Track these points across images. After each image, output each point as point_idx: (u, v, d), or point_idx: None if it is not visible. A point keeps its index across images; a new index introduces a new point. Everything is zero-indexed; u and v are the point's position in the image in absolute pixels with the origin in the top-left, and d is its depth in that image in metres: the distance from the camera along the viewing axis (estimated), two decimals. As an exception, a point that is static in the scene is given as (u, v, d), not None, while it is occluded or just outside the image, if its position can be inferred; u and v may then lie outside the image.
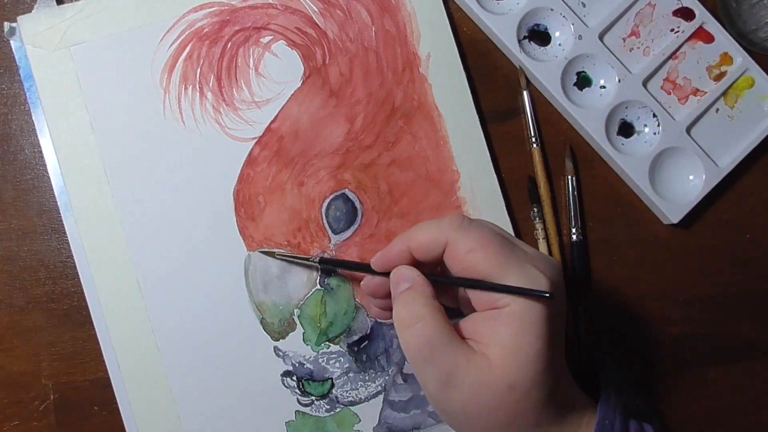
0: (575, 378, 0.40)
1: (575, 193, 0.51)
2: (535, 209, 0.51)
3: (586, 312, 0.51)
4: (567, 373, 0.39)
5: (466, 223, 0.38)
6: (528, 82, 0.51)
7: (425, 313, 0.38)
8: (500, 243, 0.38)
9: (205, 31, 0.50)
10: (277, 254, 0.48)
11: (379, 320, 0.49)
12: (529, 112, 0.51)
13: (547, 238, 0.51)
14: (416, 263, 0.40)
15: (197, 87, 0.49)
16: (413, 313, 0.38)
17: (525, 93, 0.51)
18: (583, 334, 0.50)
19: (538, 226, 0.51)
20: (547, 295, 0.36)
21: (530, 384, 0.36)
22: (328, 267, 0.48)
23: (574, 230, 0.51)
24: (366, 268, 0.42)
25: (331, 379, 0.49)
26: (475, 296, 0.38)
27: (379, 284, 0.42)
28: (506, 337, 0.36)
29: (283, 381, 0.49)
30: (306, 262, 0.48)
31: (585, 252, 0.51)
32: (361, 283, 0.44)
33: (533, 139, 0.51)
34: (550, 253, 0.51)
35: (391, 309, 0.40)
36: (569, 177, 0.51)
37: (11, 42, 0.49)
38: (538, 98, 0.52)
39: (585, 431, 0.38)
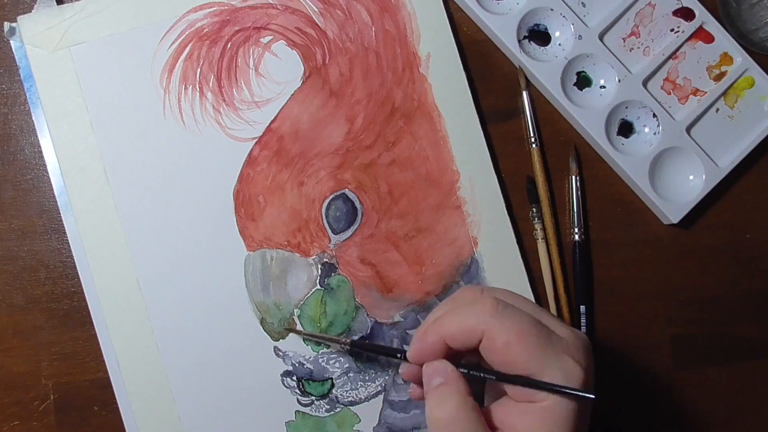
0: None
1: (579, 193, 0.51)
2: (534, 209, 0.51)
3: (588, 311, 0.51)
4: None
5: (501, 310, 0.37)
6: (528, 82, 0.51)
7: (460, 416, 0.37)
8: (537, 334, 0.37)
9: (205, 31, 0.50)
10: (304, 335, 0.49)
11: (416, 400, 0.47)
12: (529, 113, 0.51)
13: (546, 238, 0.51)
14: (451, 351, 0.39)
15: (197, 87, 0.49)
16: (447, 414, 0.37)
17: (525, 93, 0.51)
18: (585, 329, 0.50)
19: (537, 226, 0.51)
20: (592, 396, 0.36)
21: None
22: (358, 351, 0.48)
23: (576, 230, 0.51)
24: (400, 353, 0.42)
25: (331, 379, 0.49)
26: (511, 389, 0.37)
27: (417, 373, 0.41)
28: (538, 431, 0.36)
29: (283, 381, 0.49)
30: (337, 343, 0.48)
31: (587, 252, 0.51)
32: (399, 370, 0.43)
33: (532, 139, 0.51)
34: (549, 253, 0.51)
35: None
36: (573, 177, 0.51)
37: (11, 42, 0.49)
38: (538, 98, 0.52)
39: None
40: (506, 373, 0.37)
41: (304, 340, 0.49)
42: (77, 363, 0.49)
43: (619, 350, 0.52)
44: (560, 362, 0.36)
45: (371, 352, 0.49)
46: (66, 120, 0.49)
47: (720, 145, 0.52)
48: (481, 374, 0.38)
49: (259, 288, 0.49)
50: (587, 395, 0.36)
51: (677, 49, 0.52)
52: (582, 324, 0.50)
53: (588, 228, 0.52)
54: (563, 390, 0.36)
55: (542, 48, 0.52)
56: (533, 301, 0.41)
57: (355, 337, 0.49)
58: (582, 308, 0.51)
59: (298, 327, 0.49)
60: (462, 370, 0.39)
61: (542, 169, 0.51)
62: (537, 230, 0.51)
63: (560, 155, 0.52)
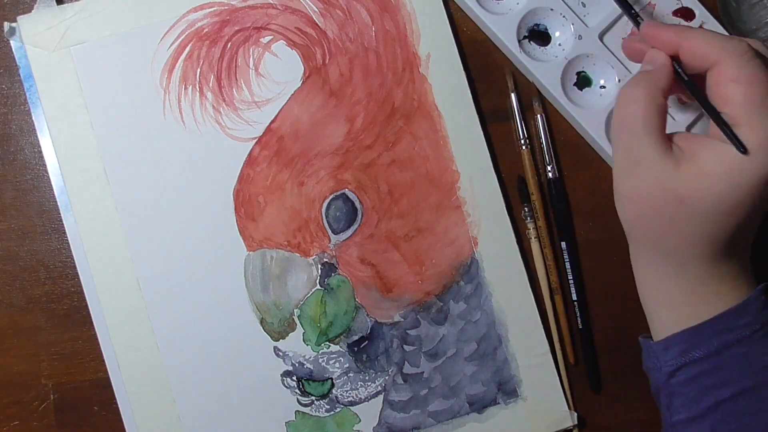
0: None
1: (546, 131, 0.51)
2: (526, 209, 0.51)
3: (569, 247, 0.51)
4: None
5: (747, 55, 0.38)
6: (516, 84, 0.51)
7: (648, 99, 0.39)
8: (766, 90, 0.37)
9: (205, 31, 0.50)
10: None
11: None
12: (518, 115, 0.51)
13: (539, 237, 0.51)
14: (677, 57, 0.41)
15: (197, 87, 0.49)
16: (637, 93, 0.39)
17: (513, 95, 0.51)
18: (570, 271, 0.51)
19: (530, 225, 0.51)
20: (742, 150, 0.36)
21: (724, 206, 0.38)
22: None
23: (549, 168, 0.51)
24: (636, 21, 0.43)
25: (331, 379, 0.49)
26: (715, 129, 0.38)
27: (638, 50, 0.43)
28: (711, 165, 0.37)
29: (283, 381, 0.49)
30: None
31: (562, 188, 0.51)
32: (622, 43, 0.45)
33: (522, 141, 0.51)
34: (543, 253, 0.51)
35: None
36: (539, 116, 0.51)
37: (11, 42, 0.49)
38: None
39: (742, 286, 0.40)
40: (713, 106, 0.38)
41: (303, 339, 0.49)
42: (77, 363, 0.49)
43: (619, 350, 0.52)
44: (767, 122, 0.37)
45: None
46: (66, 120, 0.49)
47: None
48: (691, 86, 0.40)
49: (259, 288, 0.49)
50: (740, 146, 0.36)
51: (677, 49, 0.52)
52: (565, 260, 0.51)
53: (561, 167, 0.52)
54: (736, 142, 0.36)
55: (542, 48, 0.52)
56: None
57: (355, 337, 0.49)
58: (563, 244, 0.51)
59: (298, 327, 0.49)
60: (680, 71, 0.40)
61: (533, 170, 0.51)
62: (530, 229, 0.51)
63: (560, 155, 0.52)
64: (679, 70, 0.40)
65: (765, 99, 0.37)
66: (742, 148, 0.36)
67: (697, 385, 0.40)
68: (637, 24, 0.44)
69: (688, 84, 0.40)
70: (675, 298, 0.42)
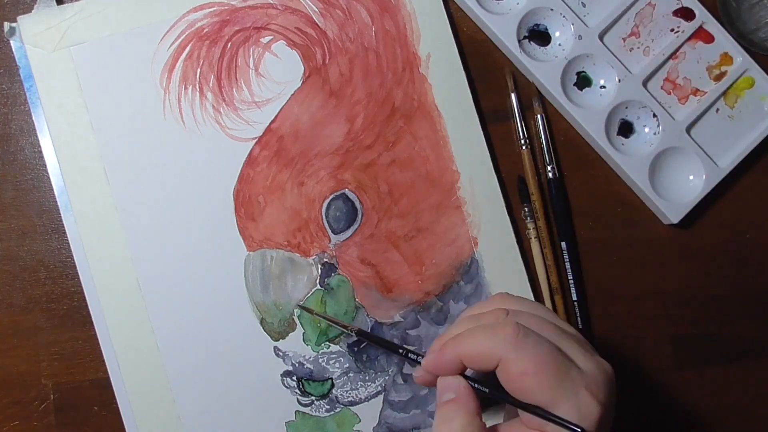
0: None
1: (546, 131, 0.51)
2: (526, 209, 0.51)
3: (569, 247, 0.51)
4: None
5: (521, 339, 0.37)
6: (516, 84, 0.51)
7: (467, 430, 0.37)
8: (556, 366, 0.36)
9: (205, 31, 0.50)
10: (315, 313, 0.49)
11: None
12: (518, 115, 0.51)
13: (539, 237, 0.51)
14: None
15: (197, 87, 0.49)
16: (456, 428, 0.37)
17: (513, 95, 0.51)
18: (570, 270, 0.51)
19: (530, 225, 0.51)
20: None
21: None
22: (361, 342, 0.48)
23: (549, 168, 0.51)
24: (413, 354, 0.42)
25: (331, 379, 0.49)
26: (524, 415, 0.37)
27: (431, 379, 0.41)
28: None
29: (283, 381, 0.49)
30: (345, 329, 0.48)
31: (562, 188, 0.52)
32: (414, 373, 0.42)
33: (522, 142, 0.51)
34: (543, 252, 0.51)
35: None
36: (539, 116, 0.51)
37: (11, 42, 0.49)
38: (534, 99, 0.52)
39: None
40: (519, 400, 0.37)
41: (303, 339, 0.49)
42: (77, 363, 0.49)
43: (619, 350, 0.52)
44: (577, 397, 0.36)
45: (376, 343, 0.48)
46: (66, 120, 0.49)
47: (720, 145, 0.52)
48: (493, 396, 0.38)
49: (259, 288, 0.49)
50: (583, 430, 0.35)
51: (677, 49, 0.52)
52: (565, 260, 0.51)
53: (561, 167, 0.52)
54: (570, 425, 0.35)
55: (542, 48, 0.52)
56: (562, 321, 0.40)
57: (355, 338, 0.49)
58: (563, 244, 0.51)
59: (298, 327, 0.49)
60: (476, 386, 0.38)
61: (533, 170, 0.51)
62: (530, 229, 0.51)
63: (560, 155, 0.52)
64: (476, 386, 0.39)
65: (558, 374, 0.36)
66: (580, 428, 0.35)
67: None
68: (415, 363, 0.42)
69: (492, 395, 0.38)
70: None
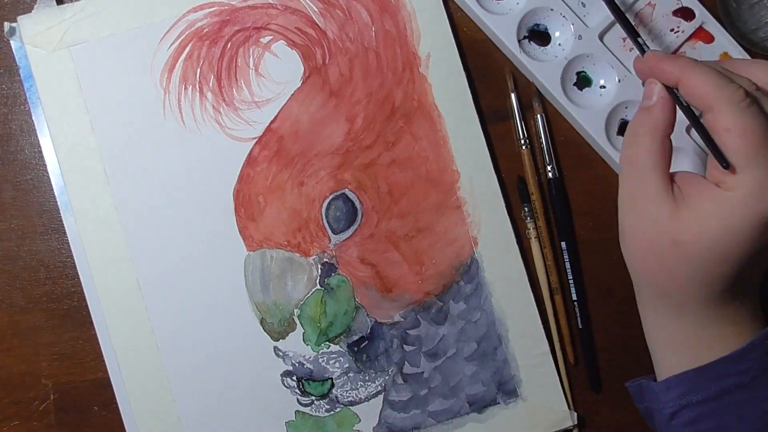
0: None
1: (546, 131, 0.51)
2: (526, 209, 0.51)
3: (569, 247, 0.51)
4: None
5: (742, 104, 0.37)
6: (516, 84, 0.51)
7: (648, 138, 0.40)
8: (763, 139, 0.37)
9: (205, 31, 0.50)
10: None
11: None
12: (518, 115, 0.51)
13: (539, 237, 0.51)
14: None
15: (197, 87, 0.49)
16: (637, 132, 0.40)
17: (513, 95, 0.51)
18: (570, 270, 0.51)
19: (530, 225, 0.51)
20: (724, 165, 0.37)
21: (715, 257, 0.38)
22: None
23: (549, 168, 0.51)
24: (643, 44, 0.44)
25: (331, 379, 0.49)
26: (709, 164, 0.39)
27: (644, 72, 0.43)
28: (709, 217, 0.38)
29: (283, 381, 0.49)
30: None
31: (562, 188, 0.52)
32: (634, 63, 0.45)
33: (522, 142, 0.51)
34: (543, 253, 0.51)
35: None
36: (539, 116, 0.51)
37: (11, 42, 0.49)
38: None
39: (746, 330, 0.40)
40: (708, 136, 0.38)
41: (303, 339, 0.49)
42: (77, 363, 0.49)
43: (618, 350, 0.52)
44: (764, 172, 0.37)
45: (621, 23, 0.47)
46: (66, 120, 0.49)
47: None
48: (693, 119, 0.40)
49: (259, 288, 0.49)
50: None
51: (677, 49, 0.52)
52: (565, 260, 0.51)
53: (561, 167, 0.52)
54: (720, 157, 0.37)
55: (542, 48, 0.52)
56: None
57: (355, 337, 0.49)
58: (563, 244, 0.51)
59: (298, 327, 0.49)
60: (683, 102, 0.40)
61: (533, 171, 0.51)
62: (530, 229, 0.51)
63: (560, 155, 0.52)
64: (679, 97, 0.40)
65: (759, 148, 0.37)
66: (725, 163, 0.37)
67: (696, 429, 0.40)
68: (642, 52, 0.44)
69: (685, 111, 0.40)
70: (676, 339, 0.42)
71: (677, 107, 0.41)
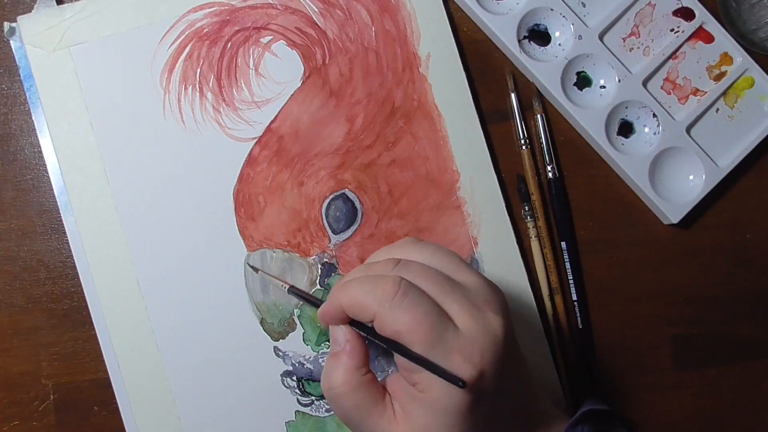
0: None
1: (546, 131, 0.51)
2: (526, 207, 0.51)
3: (569, 247, 0.51)
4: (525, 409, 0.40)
5: (398, 296, 0.36)
6: (516, 83, 0.51)
7: (345, 387, 0.38)
8: (429, 327, 0.35)
9: (205, 31, 0.50)
10: (260, 272, 0.48)
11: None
12: (518, 115, 0.51)
13: (539, 237, 0.51)
14: None
15: (197, 87, 0.49)
16: (335, 383, 0.38)
17: (513, 95, 0.51)
18: (570, 270, 0.51)
19: (530, 224, 0.51)
20: (460, 384, 0.35)
21: None
22: (296, 296, 0.47)
23: (549, 168, 0.51)
24: (317, 302, 0.42)
25: (331, 379, 0.49)
26: (401, 362, 0.37)
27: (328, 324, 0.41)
28: (419, 418, 0.36)
29: (283, 381, 0.49)
30: (281, 282, 0.48)
31: (562, 188, 0.52)
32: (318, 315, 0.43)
33: (522, 142, 0.51)
34: (543, 253, 0.51)
35: None
36: (539, 116, 0.51)
37: (11, 42, 0.49)
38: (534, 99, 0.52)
39: None
40: (393, 342, 0.37)
41: (303, 339, 0.49)
42: (77, 363, 0.49)
43: (619, 350, 0.52)
44: (448, 362, 0.35)
45: (303, 299, 0.47)
46: (66, 120, 0.49)
47: (720, 145, 0.52)
48: (375, 341, 0.38)
49: (259, 288, 0.49)
50: (456, 380, 0.35)
51: (677, 49, 0.52)
52: (565, 260, 0.51)
53: (561, 167, 0.52)
54: (435, 372, 0.35)
55: (542, 48, 0.52)
56: (464, 268, 0.39)
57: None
58: (563, 244, 0.51)
59: (298, 327, 0.49)
60: (363, 334, 0.39)
61: (533, 171, 0.51)
62: (530, 228, 0.51)
63: (560, 155, 0.52)
64: (363, 334, 0.39)
65: (430, 338, 0.35)
66: (461, 382, 0.35)
67: None
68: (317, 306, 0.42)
69: (377, 343, 0.38)
70: None
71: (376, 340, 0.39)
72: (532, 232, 0.51)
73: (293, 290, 0.47)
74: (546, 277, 0.51)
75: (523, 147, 0.51)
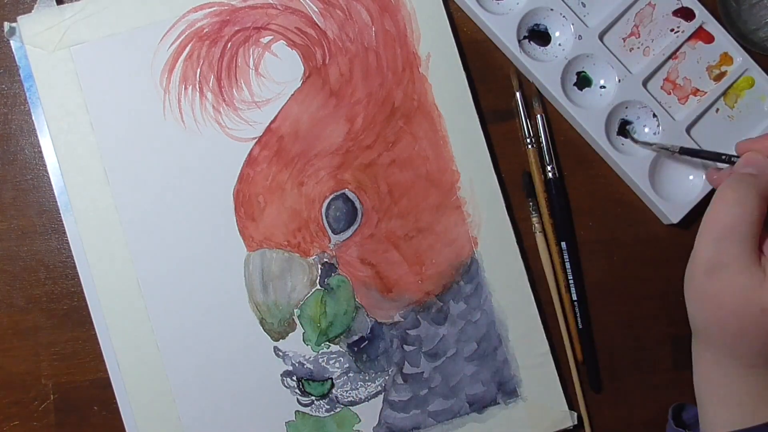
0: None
1: (546, 131, 0.51)
2: (531, 203, 0.51)
3: (569, 247, 0.51)
4: None
5: None
6: (521, 83, 0.51)
7: (749, 203, 0.38)
8: None
9: (205, 31, 0.50)
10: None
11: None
12: (523, 114, 0.51)
13: (543, 231, 0.51)
14: None
15: (197, 87, 0.49)
16: (738, 195, 0.39)
17: (518, 94, 0.51)
18: (570, 270, 0.51)
19: (534, 219, 0.51)
20: None
21: None
22: (688, 156, 0.48)
23: (549, 168, 0.51)
24: (722, 157, 0.44)
25: (331, 379, 0.49)
26: None
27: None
28: None
29: (283, 381, 0.49)
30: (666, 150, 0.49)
31: (562, 188, 0.52)
32: (707, 175, 0.46)
33: (528, 140, 0.51)
34: (548, 247, 0.51)
35: None
36: (539, 116, 0.51)
37: (11, 42, 0.49)
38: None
39: None
40: None
41: (303, 339, 0.49)
42: (77, 363, 0.49)
43: (619, 350, 0.52)
44: None
45: (701, 157, 0.48)
46: (66, 120, 0.49)
47: (720, 145, 0.52)
48: None
49: (259, 288, 0.49)
50: None
51: (677, 49, 0.52)
52: (565, 260, 0.51)
53: (561, 167, 0.52)
54: None
55: (542, 48, 0.52)
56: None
57: (355, 337, 0.49)
58: (563, 244, 0.51)
59: (298, 327, 0.49)
60: None
61: (539, 170, 0.51)
62: (534, 224, 0.51)
63: (560, 155, 0.52)
64: None
65: None
66: None
67: None
68: (726, 161, 0.45)
69: None
70: (737, 397, 0.41)
71: None
72: (537, 227, 0.51)
73: (686, 151, 0.47)
74: (552, 270, 0.51)
75: (529, 146, 0.51)
